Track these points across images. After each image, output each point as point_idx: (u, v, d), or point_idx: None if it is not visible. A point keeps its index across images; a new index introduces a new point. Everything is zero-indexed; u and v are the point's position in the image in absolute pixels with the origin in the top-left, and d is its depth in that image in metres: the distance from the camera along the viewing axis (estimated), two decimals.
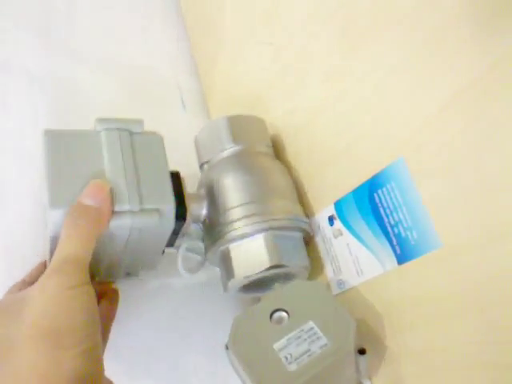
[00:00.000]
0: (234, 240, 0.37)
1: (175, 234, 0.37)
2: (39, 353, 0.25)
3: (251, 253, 0.37)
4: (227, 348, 0.33)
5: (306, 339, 0.32)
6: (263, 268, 0.36)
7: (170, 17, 0.59)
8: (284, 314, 0.34)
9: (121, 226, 0.32)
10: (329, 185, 0.39)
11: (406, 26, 0.31)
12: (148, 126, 0.51)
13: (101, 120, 0.34)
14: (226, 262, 0.38)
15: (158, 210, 0.33)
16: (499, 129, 0.26)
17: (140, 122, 0.36)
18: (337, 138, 0.38)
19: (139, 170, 0.34)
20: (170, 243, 0.39)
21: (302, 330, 0.33)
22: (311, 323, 0.33)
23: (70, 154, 0.32)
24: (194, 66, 0.60)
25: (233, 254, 0.37)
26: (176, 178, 0.37)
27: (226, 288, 0.38)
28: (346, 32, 0.36)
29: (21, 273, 0.39)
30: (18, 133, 0.44)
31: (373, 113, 0.35)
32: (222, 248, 0.38)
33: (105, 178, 0.32)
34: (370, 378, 0.36)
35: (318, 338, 0.32)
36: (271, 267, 0.36)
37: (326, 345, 0.32)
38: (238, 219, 0.37)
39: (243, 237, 0.37)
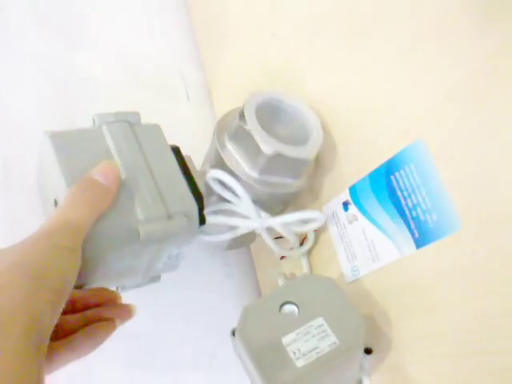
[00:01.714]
0: None
1: None
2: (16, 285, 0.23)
3: None
4: (233, 334, 0.33)
5: (314, 335, 0.32)
6: None
7: (175, 9, 0.59)
8: (294, 307, 0.34)
9: (151, 234, 0.30)
10: (342, 170, 0.39)
11: (407, 16, 0.31)
12: (152, 117, 0.51)
13: (99, 115, 0.33)
14: None
15: (184, 214, 0.32)
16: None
17: (136, 113, 0.35)
18: (346, 125, 0.38)
19: (150, 163, 0.33)
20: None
21: (312, 326, 0.32)
22: (321, 319, 0.32)
23: (77, 150, 0.31)
24: (198, 58, 0.59)
25: None
26: (178, 154, 0.36)
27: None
28: (348, 22, 0.36)
29: None
30: (23, 122, 0.43)
31: (379, 97, 0.34)
32: None
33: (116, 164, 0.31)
34: (369, 376, 0.36)
35: (327, 335, 0.32)
36: None
37: (334, 343, 0.31)
38: None
39: None
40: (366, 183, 0.36)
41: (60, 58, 0.47)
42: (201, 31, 0.59)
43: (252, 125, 0.36)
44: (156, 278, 0.37)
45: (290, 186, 0.38)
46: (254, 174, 0.37)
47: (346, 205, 0.38)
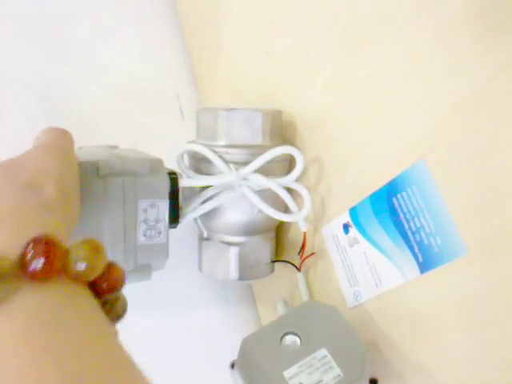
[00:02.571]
0: None
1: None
2: None
3: None
4: (232, 367, 0.31)
5: (318, 368, 0.30)
6: None
7: (168, 26, 0.58)
8: (296, 338, 0.32)
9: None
10: (342, 191, 0.38)
11: (408, 30, 0.30)
12: (146, 136, 0.50)
13: (105, 162, 0.32)
14: None
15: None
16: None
17: (145, 164, 0.34)
18: (346, 144, 0.37)
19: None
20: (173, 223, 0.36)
21: (315, 358, 0.31)
22: (324, 351, 0.31)
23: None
24: (192, 75, 0.59)
25: None
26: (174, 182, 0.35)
27: None
28: (347, 37, 0.35)
29: None
30: (13, 140, 0.42)
31: (379, 117, 0.33)
32: None
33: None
34: None
35: (330, 367, 0.30)
36: None
37: (339, 375, 0.30)
38: None
39: None
40: (367, 205, 0.35)
41: (51, 76, 0.46)
42: (195, 48, 0.58)
43: None
44: (146, 271, 0.35)
45: (261, 146, 0.38)
46: (221, 142, 0.38)
47: (346, 227, 0.37)
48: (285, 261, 0.42)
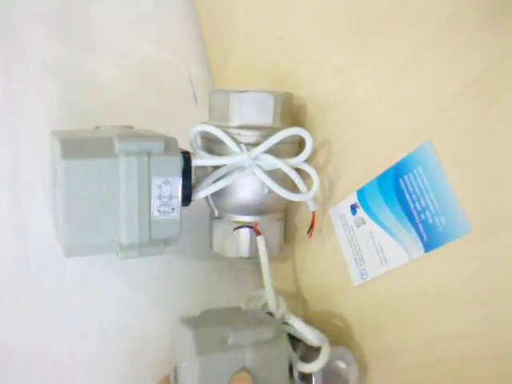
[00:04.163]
0: None
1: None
2: None
3: None
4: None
5: None
6: None
7: (183, 12, 0.59)
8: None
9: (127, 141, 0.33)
10: (350, 173, 0.38)
11: (416, 18, 0.31)
12: (160, 120, 0.51)
13: (121, 141, 0.33)
14: None
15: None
16: None
17: (160, 142, 0.35)
18: (354, 127, 0.38)
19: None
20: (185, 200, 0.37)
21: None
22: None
23: (88, 183, 0.32)
24: (206, 60, 0.59)
25: None
26: (188, 161, 0.37)
27: None
28: (358, 23, 0.36)
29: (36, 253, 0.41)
30: (33, 124, 0.43)
31: (388, 100, 0.34)
32: None
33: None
34: None
35: None
36: None
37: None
38: None
39: None
40: (375, 186, 0.36)
41: (70, 60, 0.47)
42: (208, 34, 0.59)
43: None
44: (160, 245, 0.36)
45: (272, 128, 0.39)
46: (233, 123, 0.39)
47: (353, 208, 0.38)
48: None
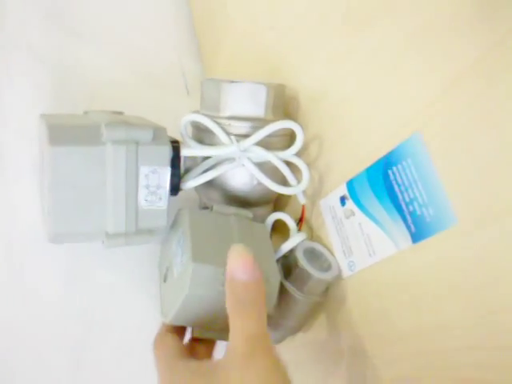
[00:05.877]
0: None
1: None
2: None
3: None
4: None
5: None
6: None
7: (175, 2, 0.59)
8: None
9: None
10: (340, 165, 0.38)
11: (409, 6, 0.31)
12: (152, 111, 0.51)
13: (109, 128, 0.33)
14: None
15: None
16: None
17: (149, 132, 0.34)
18: (344, 119, 0.37)
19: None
20: (174, 190, 0.37)
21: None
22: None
23: (74, 170, 0.32)
24: (197, 50, 0.59)
25: None
26: (176, 149, 0.36)
27: None
28: (349, 14, 0.36)
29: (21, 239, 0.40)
30: (20, 109, 0.43)
31: (378, 91, 0.34)
32: None
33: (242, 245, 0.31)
34: None
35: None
36: None
37: None
38: None
39: None
40: (364, 178, 0.36)
41: (59, 46, 0.47)
42: (200, 24, 0.59)
43: None
44: (146, 235, 0.36)
45: (263, 120, 0.39)
46: (224, 113, 0.39)
47: (343, 199, 0.38)
48: None
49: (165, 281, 0.37)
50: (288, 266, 0.39)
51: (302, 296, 0.38)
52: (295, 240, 0.40)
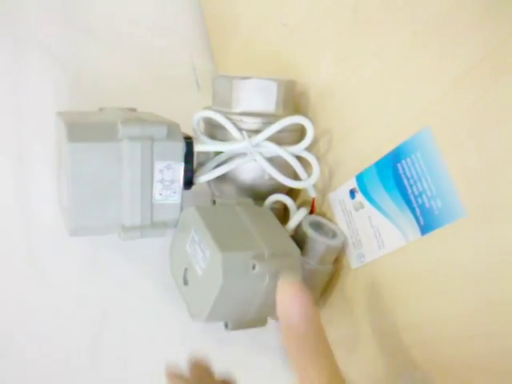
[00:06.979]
0: None
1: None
2: None
3: None
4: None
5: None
6: None
7: (187, 0, 0.59)
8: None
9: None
10: (349, 160, 0.39)
11: (417, 4, 0.31)
12: (163, 106, 0.52)
13: (125, 125, 0.34)
14: None
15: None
16: None
17: (163, 128, 0.35)
18: (354, 114, 0.38)
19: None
20: (187, 184, 0.38)
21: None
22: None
23: (92, 165, 0.33)
24: (208, 47, 0.60)
25: None
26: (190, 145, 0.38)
27: None
28: (357, 11, 0.36)
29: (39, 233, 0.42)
30: (37, 107, 0.44)
31: (387, 87, 0.35)
32: None
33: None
34: None
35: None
36: None
37: None
38: None
39: None
40: (373, 171, 0.36)
41: (73, 44, 0.48)
42: (211, 20, 0.60)
43: None
44: (161, 228, 0.37)
45: (274, 115, 0.40)
46: (236, 109, 0.40)
47: (352, 192, 0.39)
48: None
49: (186, 284, 0.38)
50: (297, 242, 0.39)
51: (318, 267, 0.39)
52: (300, 215, 0.41)
